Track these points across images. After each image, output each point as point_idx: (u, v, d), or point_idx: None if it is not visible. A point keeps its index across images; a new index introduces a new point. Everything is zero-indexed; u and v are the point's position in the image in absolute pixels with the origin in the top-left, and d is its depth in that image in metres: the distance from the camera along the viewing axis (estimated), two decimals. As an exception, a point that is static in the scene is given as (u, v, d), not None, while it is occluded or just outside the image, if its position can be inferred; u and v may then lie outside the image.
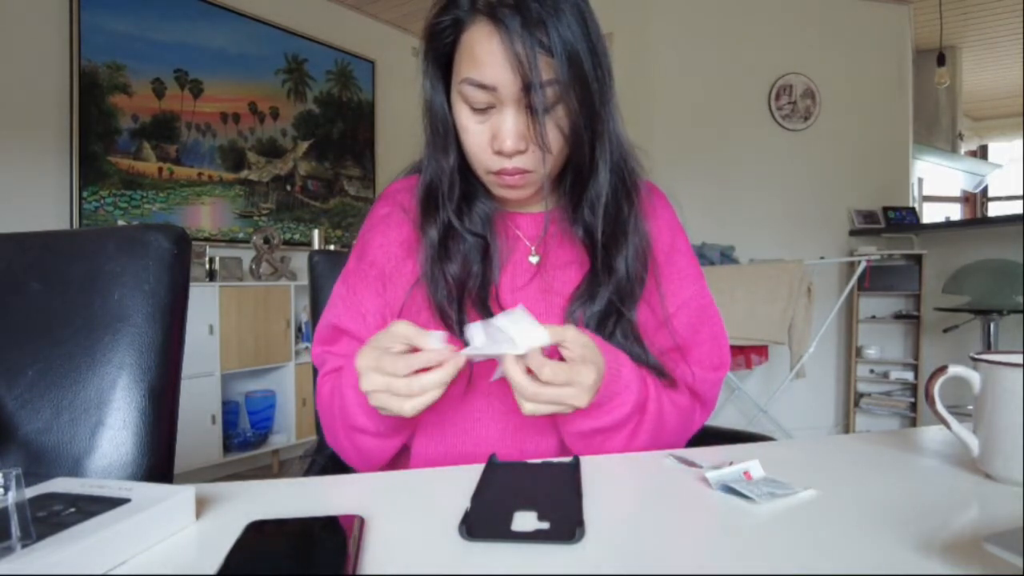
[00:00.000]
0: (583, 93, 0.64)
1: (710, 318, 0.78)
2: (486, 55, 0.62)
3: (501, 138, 0.65)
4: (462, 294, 0.71)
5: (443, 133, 0.71)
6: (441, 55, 0.68)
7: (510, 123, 0.64)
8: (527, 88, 0.62)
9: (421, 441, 0.73)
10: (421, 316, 0.72)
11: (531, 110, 0.63)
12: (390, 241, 0.77)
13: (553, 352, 0.60)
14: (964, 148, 5.88)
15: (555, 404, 0.58)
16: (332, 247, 3.74)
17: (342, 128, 3.90)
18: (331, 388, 0.72)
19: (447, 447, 0.71)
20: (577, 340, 0.59)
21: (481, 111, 0.66)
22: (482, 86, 0.63)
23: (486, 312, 0.71)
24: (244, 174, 3.37)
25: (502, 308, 0.72)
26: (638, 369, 0.68)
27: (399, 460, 0.76)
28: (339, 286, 0.79)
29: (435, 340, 0.57)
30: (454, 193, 0.73)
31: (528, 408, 0.57)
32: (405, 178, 0.81)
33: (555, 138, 0.66)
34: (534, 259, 0.76)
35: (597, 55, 0.65)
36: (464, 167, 0.73)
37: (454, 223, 0.73)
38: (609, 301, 0.71)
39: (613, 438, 0.67)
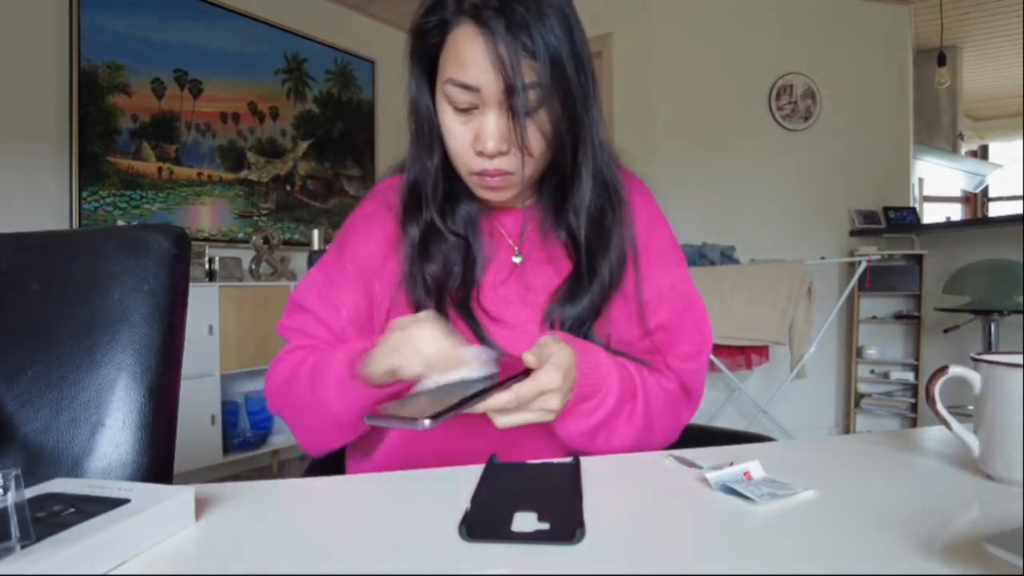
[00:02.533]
0: (565, 97, 0.65)
1: (693, 303, 0.79)
2: (470, 56, 0.63)
3: (483, 139, 0.66)
4: (441, 294, 0.72)
5: (427, 133, 0.72)
6: (427, 55, 0.69)
7: (492, 125, 0.65)
8: (509, 90, 0.63)
9: (389, 444, 0.73)
10: (408, 314, 0.72)
11: (513, 112, 0.64)
12: (373, 240, 0.77)
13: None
14: (964, 148, 5.88)
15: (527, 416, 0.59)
16: (332, 247, 3.74)
17: (342, 128, 3.90)
18: (311, 366, 0.70)
19: (415, 447, 0.71)
20: (553, 349, 0.60)
21: (464, 112, 0.66)
22: (465, 87, 0.64)
23: (467, 313, 0.71)
24: (244, 174, 3.37)
25: (483, 308, 0.72)
26: (615, 358, 0.69)
27: (361, 462, 0.76)
28: (316, 273, 0.79)
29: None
30: (438, 194, 0.74)
31: (501, 422, 0.58)
32: (392, 177, 0.82)
33: (536, 141, 0.67)
34: (517, 259, 0.76)
35: (581, 60, 0.66)
36: (448, 167, 0.73)
37: (437, 223, 0.73)
38: (588, 304, 0.72)
39: (613, 430, 0.67)
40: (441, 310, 0.71)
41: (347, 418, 0.67)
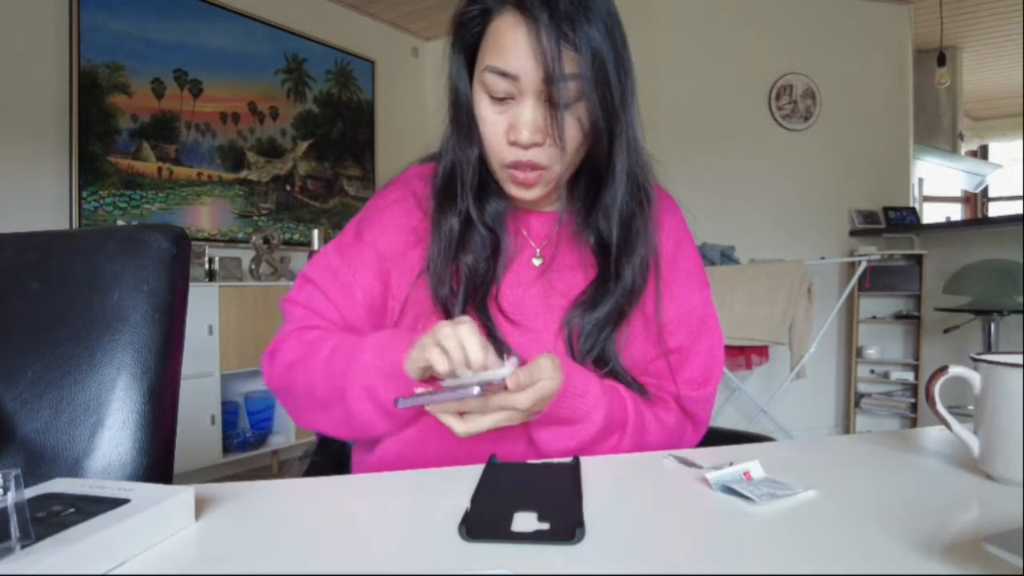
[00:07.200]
0: (604, 92, 0.65)
1: (710, 329, 0.78)
2: (511, 44, 0.63)
3: (518, 128, 0.64)
4: (467, 289, 0.71)
5: (467, 123, 0.70)
6: (468, 45, 0.68)
7: (528, 114, 0.64)
8: (548, 80, 0.62)
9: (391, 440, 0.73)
10: (424, 307, 0.71)
11: (551, 103, 0.63)
12: (399, 227, 0.75)
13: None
14: (964, 148, 5.88)
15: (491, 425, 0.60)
16: (332, 247, 3.73)
17: (342, 128, 3.90)
18: (325, 357, 0.68)
19: (414, 446, 0.71)
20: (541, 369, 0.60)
21: (500, 101, 0.66)
22: (504, 74, 0.63)
23: (483, 310, 0.70)
24: (244, 174, 3.37)
25: (501, 308, 0.72)
26: (611, 388, 0.68)
27: (365, 460, 0.76)
28: (332, 254, 0.76)
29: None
30: (474, 183, 0.72)
31: (459, 429, 0.59)
32: (419, 166, 0.80)
33: (572, 135, 0.66)
34: (537, 261, 0.75)
35: (622, 60, 0.66)
36: (484, 161, 0.72)
37: (472, 214, 0.72)
38: (610, 309, 0.71)
39: (593, 453, 0.66)
40: (464, 305, 0.70)
41: (370, 420, 0.66)
